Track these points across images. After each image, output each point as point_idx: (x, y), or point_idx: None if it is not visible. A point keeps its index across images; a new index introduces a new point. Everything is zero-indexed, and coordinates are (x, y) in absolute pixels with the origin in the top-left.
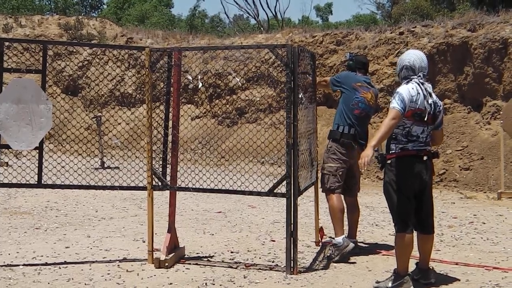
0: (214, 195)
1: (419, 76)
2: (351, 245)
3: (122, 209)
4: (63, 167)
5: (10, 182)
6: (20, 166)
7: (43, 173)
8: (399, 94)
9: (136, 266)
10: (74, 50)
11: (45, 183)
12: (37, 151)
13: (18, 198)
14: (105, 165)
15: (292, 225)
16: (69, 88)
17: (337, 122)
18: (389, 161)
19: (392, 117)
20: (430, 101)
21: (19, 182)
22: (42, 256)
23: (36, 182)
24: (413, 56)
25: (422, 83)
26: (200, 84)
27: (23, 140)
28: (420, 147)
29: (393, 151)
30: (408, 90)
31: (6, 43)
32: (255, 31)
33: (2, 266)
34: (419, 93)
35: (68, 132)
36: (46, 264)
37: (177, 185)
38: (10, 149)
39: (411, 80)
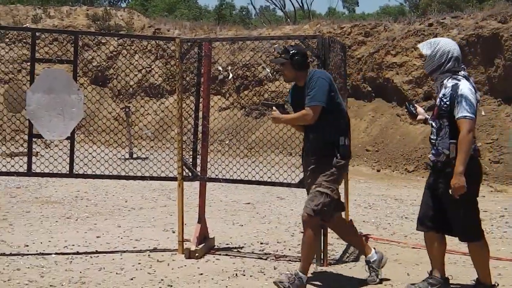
0: (242, 186)
1: (463, 67)
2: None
3: (152, 200)
4: (94, 157)
5: (42, 171)
6: (52, 156)
7: (74, 163)
8: (466, 98)
9: (166, 256)
10: (103, 41)
11: (77, 173)
12: (69, 141)
13: (48, 188)
14: (134, 156)
15: None
16: (97, 78)
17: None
18: None
19: (469, 128)
20: (478, 93)
21: (51, 172)
22: (73, 245)
23: (67, 172)
24: (455, 45)
25: (469, 75)
26: (230, 75)
27: (55, 130)
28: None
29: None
30: (470, 90)
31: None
32: (282, 23)
33: (34, 254)
34: (474, 88)
35: (98, 122)
36: (78, 253)
37: (207, 176)
38: (41, 139)
39: (458, 74)
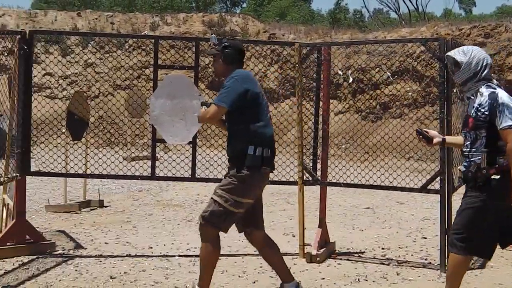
0: (361, 191)
1: (493, 76)
2: None
3: (270, 204)
4: (215, 161)
5: (165, 175)
6: (175, 160)
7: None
8: (508, 106)
9: (287, 260)
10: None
11: (198, 177)
12: (190, 145)
13: (169, 191)
14: None
15: (446, 223)
16: (214, 84)
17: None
18: (497, 176)
19: None
20: None
21: (174, 176)
22: (195, 247)
23: (190, 176)
24: (485, 53)
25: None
26: (351, 79)
27: (178, 135)
28: None
29: (502, 165)
30: (510, 98)
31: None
32: (397, 25)
33: (159, 256)
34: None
35: (213, 126)
36: None
37: (327, 180)
38: (161, 143)
39: (492, 82)
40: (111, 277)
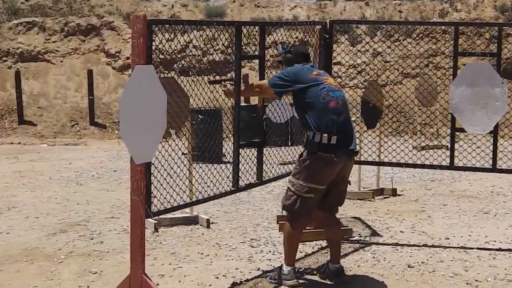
0: None
1: None
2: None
3: None
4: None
5: (465, 165)
6: (475, 150)
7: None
8: None
9: None
10: (510, 32)
11: (500, 167)
12: (491, 135)
13: (462, 182)
14: None
15: None
16: (506, 71)
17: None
18: None
19: None
20: None
21: (473, 166)
22: (495, 241)
23: (490, 167)
24: None
25: None
26: None
27: (478, 124)
28: None
29: None
30: None
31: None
32: None
33: (456, 247)
34: None
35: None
36: (500, 249)
37: None
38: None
39: None
40: (408, 266)
